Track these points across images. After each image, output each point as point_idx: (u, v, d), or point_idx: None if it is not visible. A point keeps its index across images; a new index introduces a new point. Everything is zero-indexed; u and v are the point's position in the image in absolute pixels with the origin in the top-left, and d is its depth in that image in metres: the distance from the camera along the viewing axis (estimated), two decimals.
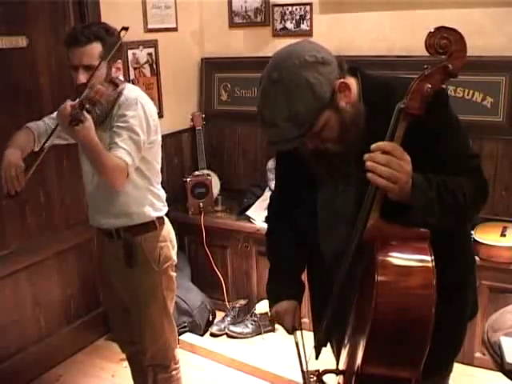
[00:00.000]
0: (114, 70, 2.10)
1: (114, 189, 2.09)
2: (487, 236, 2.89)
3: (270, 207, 1.81)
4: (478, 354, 2.91)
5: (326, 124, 1.33)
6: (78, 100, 1.87)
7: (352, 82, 1.41)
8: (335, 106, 1.33)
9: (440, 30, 1.23)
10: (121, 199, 2.16)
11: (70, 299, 3.25)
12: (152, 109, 2.16)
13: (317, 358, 1.60)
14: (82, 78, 2.00)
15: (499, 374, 1.83)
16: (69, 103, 1.87)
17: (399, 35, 3.33)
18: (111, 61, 2.06)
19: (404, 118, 1.25)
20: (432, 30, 1.23)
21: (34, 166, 1.98)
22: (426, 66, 1.26)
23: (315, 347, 1.61)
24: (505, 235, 2.92)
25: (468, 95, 3.14)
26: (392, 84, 1.44)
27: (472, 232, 2.92)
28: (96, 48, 2.01)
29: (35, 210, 2.97)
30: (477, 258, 2.84)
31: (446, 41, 1.23)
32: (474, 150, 1.47)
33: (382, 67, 3.37)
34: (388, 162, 1.20)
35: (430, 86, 1.24)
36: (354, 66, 1.44)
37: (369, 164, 1.21)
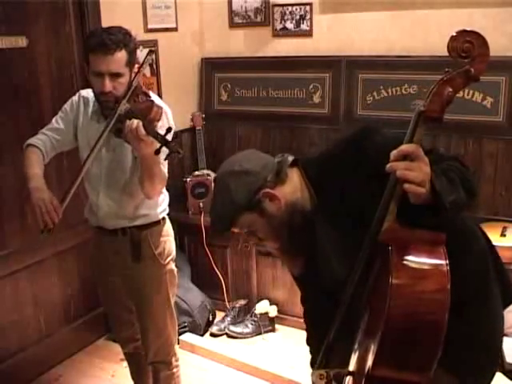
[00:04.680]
0: (132, 73, 2.10)
1: (148, 197, 2.15)
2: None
3: None
4: None
5: (252, 225, 1.50)
6: (155, 134, 1.88)
7: (295, 178, 1.52)
8: (260, 210, 1.47)
9: (463, 33, 1.21)
10: (135, 204, 2.21)
11: (70, 299, 3.25)
12: (171, 116, 2.21)
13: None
14: (109, 85, 2.00)
15: (499, 374, 1.82)
16: (143, 131, 1.88)
17: (399, 35, 3.33)
18: (132, 66, 2.07)
19: (424, 121, 1.24)
20: (454, 34, 1.22)
21: (69, 195, 2.01)
22: (447, 70, 1.24)
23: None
24: (505, 235, 2.92)
25: (468, 95, 3.14)
26: (324, 153, 1.57)
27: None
28: (123, 56, 2.01)
29: (35, 210, 2.96)
30: None
31: (469, 44, 1.21)
32: (427, 146, 1.45)
33: (382, 67, 3.38)
34: (410, 167, 1.20)
35: (451, 89, 1.22)
36: (294, 159, 1.54)
37: (398, 173, 1.20)
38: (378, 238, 1.30)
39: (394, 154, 1.22)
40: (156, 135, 1.86)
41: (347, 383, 1.49)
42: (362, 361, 1.34)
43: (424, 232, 1.26)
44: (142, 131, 1.88)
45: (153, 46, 3.49)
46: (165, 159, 1.88)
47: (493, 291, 1.52)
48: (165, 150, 1.83)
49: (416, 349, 1.19)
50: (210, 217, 1.56)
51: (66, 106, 2.26)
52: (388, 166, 1.23)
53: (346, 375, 1.47)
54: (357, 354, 1.44)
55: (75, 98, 2.26)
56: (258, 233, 1.52)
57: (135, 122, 1.90)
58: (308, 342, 1.81)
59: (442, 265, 1.21)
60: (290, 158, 1.54)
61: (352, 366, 1.47)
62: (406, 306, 1.17)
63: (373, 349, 1.22)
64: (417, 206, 1.25)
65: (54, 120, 2.25)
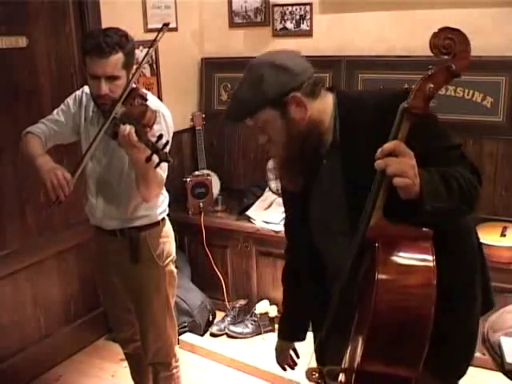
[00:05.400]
0: (130, 75, 2.08)
1: (145, 200, 2.14)
2: (487, 236, 2.89)
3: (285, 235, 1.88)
4: (478, 354, 2.89)
5: (269, 123, 1.43)
6: (146, 139, 1.86)
7: (327, 101, 1.49)
8: (283, 111, 1.42)
9: (444, 30, 1.24)
10: (133, 205, 2.20)
11: (70, 299, 3.25)
12: (170, 118, 2.19)
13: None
14: (106, 88, 1.99)
15: (499, 374, 1.83)
16: (135, 138, 1.87)
17: (399, 35, 3.33)
18: (129, 68, 2.06)
19: (407, 117, 1.26)
20: (436, 31, 1.24)
21: (79, 169, 2.00)
22: (430, 67, 1.26)
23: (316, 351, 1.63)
24: (505, 235, 2.92)
25: (468, 95, 3.14)
26: (362, 98, 1.52)
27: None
28: (120, 58, 1.99)
29: (35, 209, 2.97)
30: None
31: (450, 41, 1.23)
32: (456, 140, 1.46)
33: (382, 67, 3.38)
34: (392, 162, 1.21)
35: (432, 85, 1.25)
36: (332, 86, 1.54)
37: (380, 168, 1.23)
38: (365, 235, 1.30)
39: (378, 153, 1.24)
40: (147, 142, 1.84)
41: (340, 380, 1.49)
42: (352, 356, 1.35)
43: (411, 228, 1.27)
44: (134, 137, 1.87)
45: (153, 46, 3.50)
46: (155, 167, 1.86)
47: (477, 293, 1.53)
48: (156, 158, 1.81)
49: (403, 343, 1.19)
50: (231, 99, 1.49)
51: (69, 99, 2.25)
52: (376, 163, 1.24)
53: (340, 372, 1.48)
54: (349, 348, 1.44)
55: (79, 92, 2.24)
56: (271, 133, 1.46)
57: (128, 127, 1.89)
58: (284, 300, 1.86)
59: (428, 260, 1.22)
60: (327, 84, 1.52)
61: (345, 363, 1.47)
62: (392, 301, 1.18)
63: (361, 344, 1.23)
64: (406, 203, 1.25)
65: (55, 112, 2.24)
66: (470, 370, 2.67)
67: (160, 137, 1.81)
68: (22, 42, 2.81)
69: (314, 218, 1.58)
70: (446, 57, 1.25)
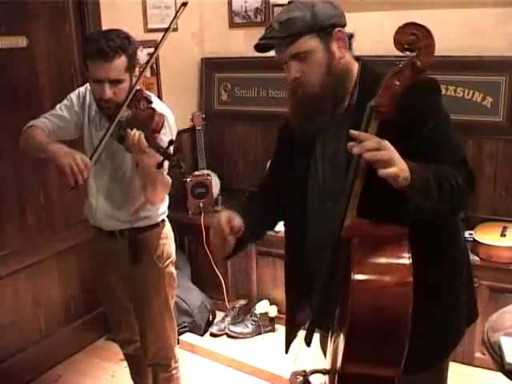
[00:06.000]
0: (133, 77, 2.06)
1: (151, 204, 2.14)
2: (487, 236, 2.89)
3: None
4: (477, 354, 2.90)
5: (311, 53, 1.41)
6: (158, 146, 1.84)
7: (355, 64, 1.49)
8: (327, 44, 1.41)
9: (408, 26, 1.23)
10: (135, 207, 2.19)
11: (70, 299, 3.25)
12: (173, 120, 2.18)
13: (308, 345, 1.57)
14: (110, 92, 1.96)
15: (499, 374, 1.83)
16: (145, 145, 1.85)
17: None
18: (132, 70, 2.04)
19: (375, 116, 1.25)
20: (401, 26, 1.23)
21: (96, 154, 1.98)
22: (397, 63, 1.26)
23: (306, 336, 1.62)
24: (505, 235, 2.92)
25: (468, 95, 3.14)
26: (380, 74, 1.48)
27: (472, 232, 2.93)
28: (123, 62, 1.96)
29: (35, 209, 2.97)
30: (477, 258, 2.84)
31: (413, 37, 1.22)
32: (460, 142, 1.46)
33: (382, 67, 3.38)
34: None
35: (398, 83, 1.24)
36: (359, 56, 1.52)
37: (357, 150, 1.21)
38: (341, 236, 1.30)
39: (356, 135, 1.22)
40: (158, 148, 1.82)
41: (325, 382, 1.49)
42: (334, 357, 1.34)
43: (387, 227, 1.26)
44: (144, 143, 1.86)
45: (153, 46, 3.50)
46: (168, 173, 1.85)
47: (461, 291, 1.53)
48: (167, 164, 1.80)
49: (382, 343, 1.18)
50: (273, 23, 1.44)
51: (73, 95, 2.21)
52: (348, 145, 1.23)
53: (324, 374, 1.47)
54: (331, 348, 1.44)
55: (82, 89, 2.21)
56: (309, 65, 1.42)
57: (137, 133, 1.87)
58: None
59: (404, 258, 1.21)
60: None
61: (328, 364, 1.47)
62: (369, 302, 1.17)
63: (342, 345, 1.22)
64: (386, 201, 1.24)
65: (57, 107, 2.21)
66: (470, 369, 2.69)
67: (171, 142, 1.79)
68: (22, 42, 2.81)
69: (313, 175, 1.56)
70: (411, 53, 1.24)
